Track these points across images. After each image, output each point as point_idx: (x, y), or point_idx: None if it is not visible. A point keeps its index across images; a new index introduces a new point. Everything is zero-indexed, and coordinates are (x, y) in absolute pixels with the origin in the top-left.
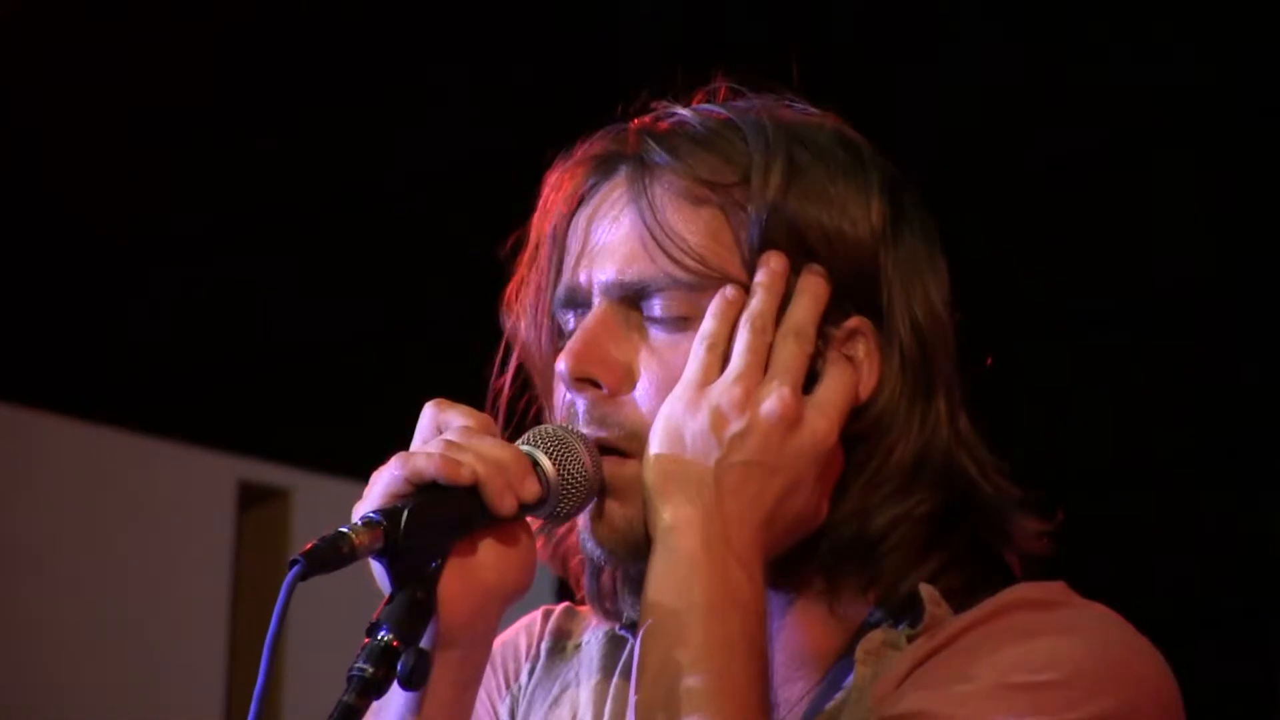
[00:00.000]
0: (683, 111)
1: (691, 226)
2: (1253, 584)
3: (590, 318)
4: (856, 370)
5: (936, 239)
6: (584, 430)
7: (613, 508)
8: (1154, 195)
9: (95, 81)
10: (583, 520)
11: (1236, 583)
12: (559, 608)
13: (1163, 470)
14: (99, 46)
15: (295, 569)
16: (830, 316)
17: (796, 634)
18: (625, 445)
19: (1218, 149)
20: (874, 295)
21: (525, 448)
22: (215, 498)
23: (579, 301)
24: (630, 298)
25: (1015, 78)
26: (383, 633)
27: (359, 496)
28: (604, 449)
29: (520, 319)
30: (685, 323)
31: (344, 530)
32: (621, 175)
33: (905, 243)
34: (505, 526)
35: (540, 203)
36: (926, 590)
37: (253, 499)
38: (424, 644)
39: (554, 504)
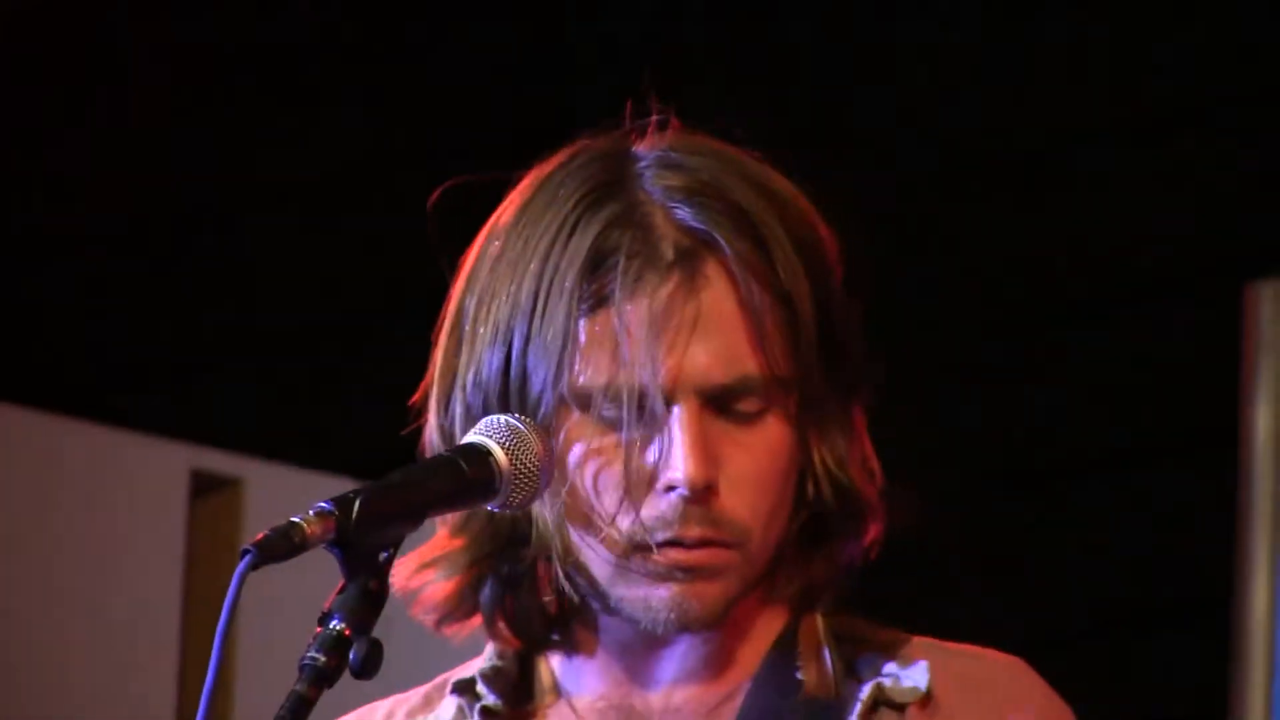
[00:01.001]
0: (685, 165)
1: (774, 323)
2: (1208, 578)
3: (693, 420)
4: None
5: None
6: (694, 532)
7: (707, 588)
8: (1154, 193)
9: (96, 81)
10: (656, 591)
11: (1193, 576)
12: (413, 695)
13: (1159, 464)
14: (99, 46)
15: (246, 559)
16: None
17: (728, 632)
18: (732, 538)
19: (1217, 145)
20: (832, 328)
21: (477, 438)
22: (167, 486)
23: (654, 405)
24: (722, 398)
25: (1015, 77)
26: (335, 622)
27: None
28: (710, 544)
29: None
30: (762, 414)
31: (296, 520)
32: (683, 261)
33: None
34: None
35: (545, 236)
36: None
37: (205, 488)
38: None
39: (506, 494)
